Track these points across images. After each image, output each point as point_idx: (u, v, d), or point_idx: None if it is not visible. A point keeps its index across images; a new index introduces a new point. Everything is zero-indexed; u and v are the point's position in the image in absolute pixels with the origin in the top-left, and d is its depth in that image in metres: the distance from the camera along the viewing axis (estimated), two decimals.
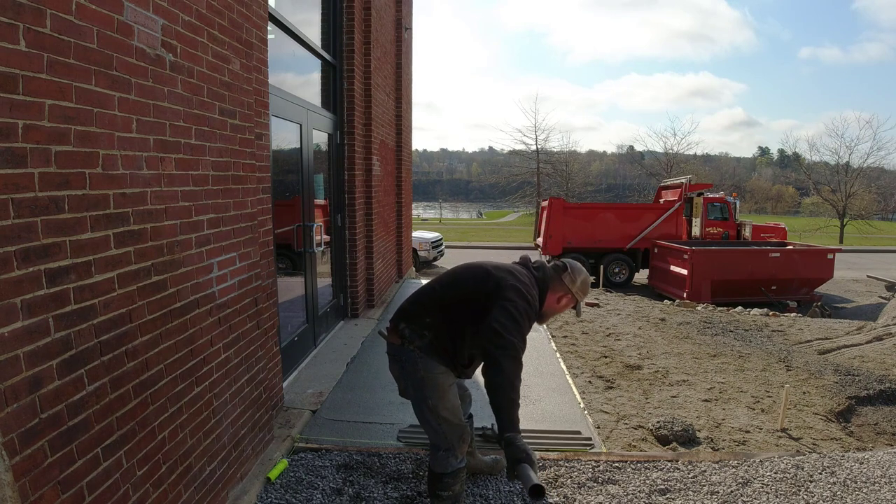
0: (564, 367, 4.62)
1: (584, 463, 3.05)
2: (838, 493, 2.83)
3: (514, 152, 30.51)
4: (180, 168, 2.13)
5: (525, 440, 1.98)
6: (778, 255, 10.83)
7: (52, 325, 1.49)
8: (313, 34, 5.08)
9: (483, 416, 3.30)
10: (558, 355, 4.94)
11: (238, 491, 2.64)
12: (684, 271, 10.46)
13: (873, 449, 3.43)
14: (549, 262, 2.52)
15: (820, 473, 3.00)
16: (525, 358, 2.15)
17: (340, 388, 4.12)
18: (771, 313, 7.86)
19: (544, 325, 6.09)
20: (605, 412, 3.81)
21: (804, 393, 4.32)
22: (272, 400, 3.24)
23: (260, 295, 2.94)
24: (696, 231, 13.88)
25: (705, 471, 3.01)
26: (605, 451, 3.24)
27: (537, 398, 3.98)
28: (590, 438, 3.38)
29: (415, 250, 13.54)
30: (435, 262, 15.56)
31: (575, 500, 2.74)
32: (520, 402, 2.07)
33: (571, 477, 2.93)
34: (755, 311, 8.03)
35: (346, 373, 4.46)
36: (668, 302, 8.97)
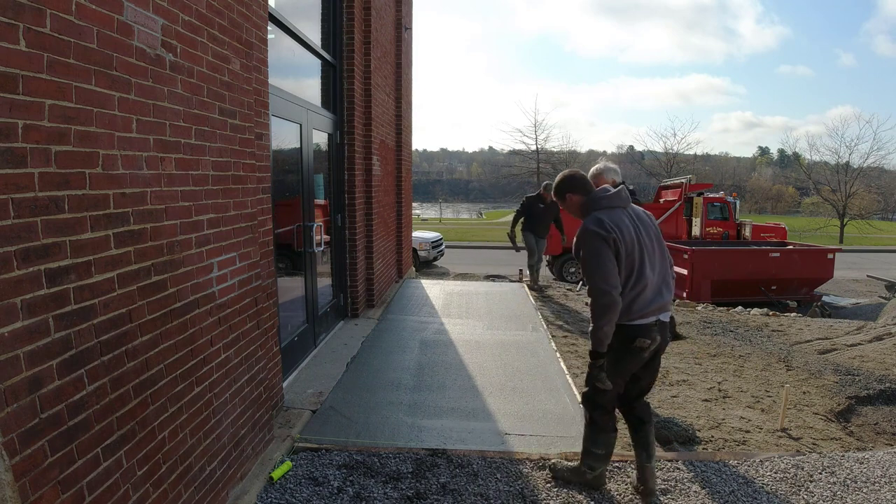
0: (564, 367, 4.62)
1: None
2: (838, 493, 2.83)
3: (514, 152, 30.57)
4: (180, 168, 2.13)
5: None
6: (778, 255, 10.82)
7: (52, 325, 1.49)
8: (313, 34, 5.08)
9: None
10: (558, 355, 4.94)
11: (238, 491, 2.64)
12: (684, 271, 10.45)
13: (873, 449, 3.43)
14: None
15: (820, 473, 3.01)
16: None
17: (340, 388, 4.12)
18: (771, 313, 7.85)
19: (544, 325, 6.09)
20: None
21: (804, 393, 4.32)
22: (272, 400, 3.24)
23: (260, 295, 2.95)
24: (696, 231, 13.87)
25: (705, 471, 3.01)
26: None
27: (537, 397, 3.98)
28: None
29: (415, 250, 13.54)
30: (435, 262, 15.56)
31: (576, 499, 2.75)
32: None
33: None
34: (755, 311, 8.02)
35: (346, 373, 4.45)
36: None
